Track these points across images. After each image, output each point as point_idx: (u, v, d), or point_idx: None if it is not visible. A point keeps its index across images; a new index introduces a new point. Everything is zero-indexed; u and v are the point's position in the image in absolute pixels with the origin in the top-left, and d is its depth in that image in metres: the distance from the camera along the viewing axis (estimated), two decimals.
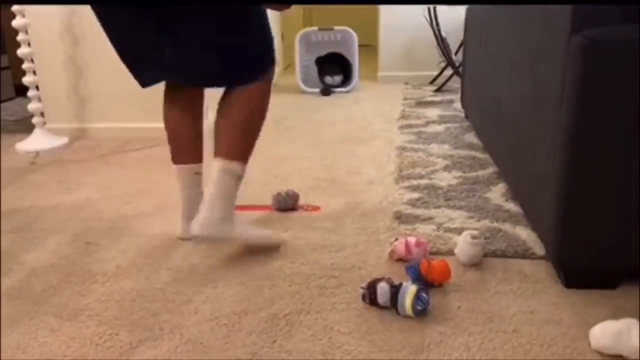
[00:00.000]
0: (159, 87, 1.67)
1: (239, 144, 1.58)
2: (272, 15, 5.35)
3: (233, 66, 1.53)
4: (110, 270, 1.62)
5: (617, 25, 1.27)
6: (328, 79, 4.12)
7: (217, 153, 1.58)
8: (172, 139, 1.72)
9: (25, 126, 3.05)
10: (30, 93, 2.90)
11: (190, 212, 1.68)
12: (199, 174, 1.74)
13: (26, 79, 2.86)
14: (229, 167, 1.56)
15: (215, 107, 1.59)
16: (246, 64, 1.55)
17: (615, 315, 1.26)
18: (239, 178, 1.59)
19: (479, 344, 1.24)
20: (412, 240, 1.59)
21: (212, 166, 1.56)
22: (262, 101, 1.60)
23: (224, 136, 1.58)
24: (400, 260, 1.58)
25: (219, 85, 1.59)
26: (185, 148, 1.72)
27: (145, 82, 1.61)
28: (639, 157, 1.29)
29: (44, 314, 1.40)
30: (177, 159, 1.73)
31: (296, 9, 6.07)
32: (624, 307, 1.35)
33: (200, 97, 1.74)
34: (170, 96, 1.71)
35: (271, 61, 1.61)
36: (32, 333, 1.33)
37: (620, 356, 1.17)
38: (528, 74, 1.67)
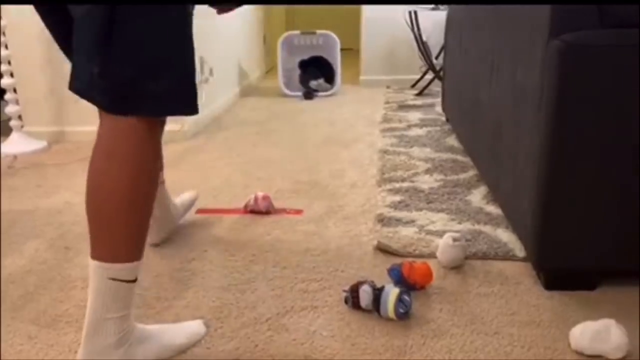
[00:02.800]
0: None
1: (122, 236, 1.08)
2: (255, 18, 5.31)
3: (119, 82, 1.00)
4: (89, 275, 1.58)
5: (594, 30, 1.29)
6: (313, 83, 4.12)
7: (94, 251, 1.08)
8: None
9: (3, 129, 3.00)
10: (7, 96, 2.85)
11: (155, 218, 1.51)
12: (161, 182, 1.64)
13: (4, 82, 2.81)
14: (114, 273, 1.07)
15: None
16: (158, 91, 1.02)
17: (594, 315, 1.28)
18: (132, 280, 1.11)
19: (460, 346, 1.24)
20: (260, 194, 1.97)
21: (91, 271, 1.09)
22: (151, 148, 1.07)
23: (97, 226, 1.08)
24: (253, 212, 1.93)
25: (99, 103, 1.07)
26: None
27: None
28: (616, 160, 1.31)
29: (20, 321, 1.37)
30: None
31: (279, 13, 6.07)
32: (602, 307, 1.36)
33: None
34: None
35: (183, 101, 1.05)
36: (9, 340, 1.30)
37: (599, 356, 1.18)
38: (508, 77, 1.69)
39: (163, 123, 1.12)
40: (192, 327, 1.29)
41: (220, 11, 1.32)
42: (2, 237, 1.86)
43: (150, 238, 1.63)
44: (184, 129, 2.99)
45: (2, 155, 2.77)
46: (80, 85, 1.05)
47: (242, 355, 1.22)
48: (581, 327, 1.21)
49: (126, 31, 0.97)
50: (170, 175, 1.85)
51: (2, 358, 1.24)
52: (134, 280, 1.12)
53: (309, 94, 4.05)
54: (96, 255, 1.08)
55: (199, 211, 1.97)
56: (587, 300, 1.40)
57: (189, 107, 1.06)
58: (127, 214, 1.07)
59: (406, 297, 1.33)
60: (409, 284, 1.42)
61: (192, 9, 1.07)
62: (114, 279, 1.08)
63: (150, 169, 1.08)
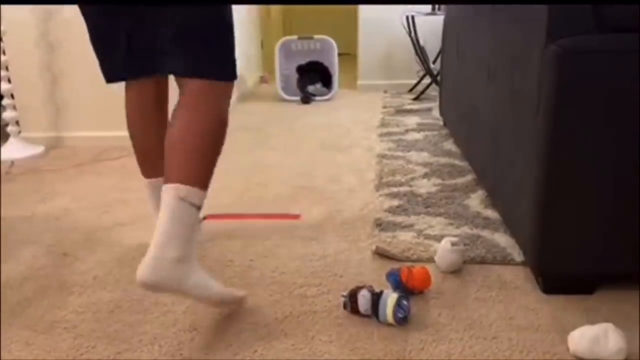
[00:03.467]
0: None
1: (199, 164, 1.29)
2: (252, 25, 5.34)
3: (203, 53, 1.33)
4: (87, 281, 1.58)
5: (591, 34, 1.30)
6: (311, 88, 4.12)
7: (171, 177, 1.26)
8: (139, 151, 1.62)
9: (0, 135, 3.00)
10: (5, 101, 2.85)
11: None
12: None
13: (1, 87, 2.81)
14: (187, 195, 1.24)
15: None
16: (214, 57, 1.35)
17: (593, 320, 1.28)
18: (198, 208, 1.27)
19: (459, 351, 1.24)
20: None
21: (164, 194, 1.25)
22: (222, 113, 1.36)
23: (179, 155, 1.28)
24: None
25: (184, 73, 1.35)
26: (153, 160, 1.58)
27: (111, 76, 1.50)
28: (614, 165, 1.32)
29: (18, 327, 1.37)
30: (146, 172, 1.64)
31: (276, 18, 6.08)
32: (601, 311, 1.36)
33: (164, 102, 1.62)
34: (132, 102, 1.59)
35: (234, 74, 1.42)
36: (6, 347, 1.29)
37: None
38: (505, 82, 1.69)
39: (230, 90, 1.42)
40: (235, 291, 1.40)
41: None
42: (0, 242, 1.85)
43: None
44: None
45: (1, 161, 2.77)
46: (184, 69, 1.34)
47: None
48: (580, 331, 1.21)
49: (222, 24, 1.36)
50: None
51: None
52: (199, 208, 1.28)
53: (306, 99, 4.06)
54: (170, 180, 1.26)
55: (208, 217, 1.96)
56: (586, 304, 1.40)
57: (235, 74, 1.43)
58: (207, 148, 1.31)
59: (405, 302, 1.33)
60: (407, 289, 1.42)
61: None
62: (184, 199, 1.24)
63: (225, 117, 1.37)
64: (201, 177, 1.29)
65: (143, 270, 1.19)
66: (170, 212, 1.23)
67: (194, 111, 1.31)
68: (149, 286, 1.21)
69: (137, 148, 1.64)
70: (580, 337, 1.20)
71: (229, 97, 1.40)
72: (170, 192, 1.24)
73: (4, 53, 2.79)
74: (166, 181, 1.26)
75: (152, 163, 1.62)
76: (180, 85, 1.37)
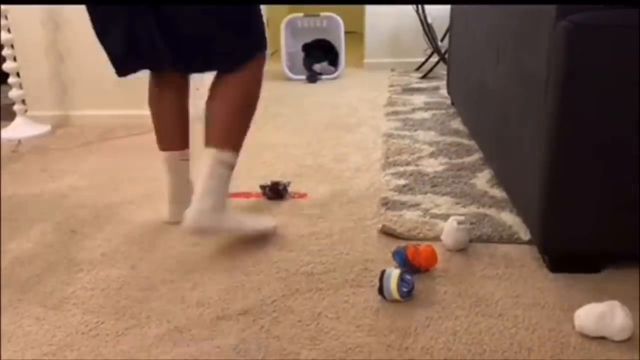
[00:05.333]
0: (143, 73, 1.64)
1: (232, 131, 1.56)
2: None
3: (225, 49, 1.51)
4: (95, 258, 1.60)
5: (601, 9, 1.28)
6: (317, 66, 4.09)
7: (209, 141, 1.54)
8: (158, 125, 1.70)
9: (6, 114, 3.00)
10: (10, 80, 2.85)
11: (177, 196, 1.69)
12: (186, 159, 1.73)
13: (6, 66, 2.81)
14: (222, 157, 1.53)
15: (202, 93, 1.57)
16: (238, 47, 1.52)
17: (599, 298, 1.28)
18: (231, 168, 1.56)
19: (465, 327, 1.25)
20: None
21: (204, 155, 1.53)
22: (255, 86, 1.57)
23: (216, 123, 1.54)
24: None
25: (210, 69, 1.57)
26: (171, 134, 1.70)
27: (123, 70, 1.58)
28: (624, 143, 1.30)
29: (28, 303, 1.39)
30: (163, 145, 1.71)
31: None
32: (607, 289, 1.37)
33: (186, 81, 1.71)
34: (156, 80, 1.68)
35: (263, 45, 1.58)
36: (17, 322, 1.31)
37: (604, 338, 1.19)
38: (513, 59, 1.67)
39: (264, 60, 1.61)
40: (266, 222, 1.70)
41: None
42: (7, 222, 1.87)
43: (173, 216, 1.71)
44: None
45: (4, 140, 2.78)
46: (223, 59, 1.53)
47: (248, 337, 1.23)
48: (586, 309, 1.22)
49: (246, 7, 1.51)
50: None
51: (11, 338, 1.25)
52: (232, 168, 1.56)
53: (312, 77, 4.03)
54: (209, 143, 1.53)
55: None
56: (592, 282, 1.40)
57: (263, 44, 1.60)
58: (242, 115, 1.57)
59: (408, 277, 1.34)
60: (413, 267, 1.43)
61: None
62: (220, 161, 1.52)
63: (258, 89, 1.59)
64: (235, 141, 1.56)
65: (188, 219, 1.49)
66: (209, 170, 1.50)
67: (231, 86, 1.54)
68: (195, 230, 1.52)
69: (156, 122, 1.71)
70: (586, 315, 1.20)
71: (262, 65, 1.59)
72: (209, 154, 1.52)
73: (8, 31, 2.78)
74: (207, 143, 1.53)
75: (169, 136, 1.71)
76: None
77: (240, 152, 1.59)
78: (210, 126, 1.55)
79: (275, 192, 1.96)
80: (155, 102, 1.69)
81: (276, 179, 2.02)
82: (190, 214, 1.50)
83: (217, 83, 1.56)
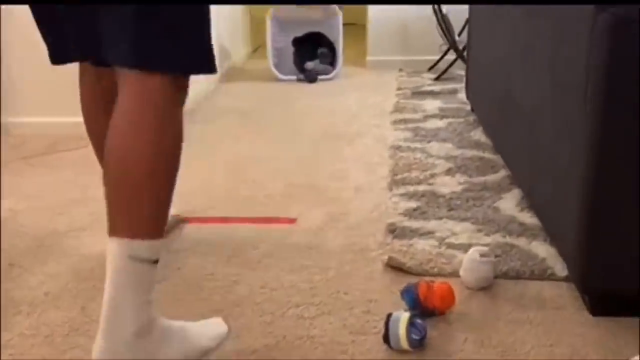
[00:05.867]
0: None
1: (150, 205, 1.20)
2: None
3: (129, 36, 1.17)
4: (37, 298, 1.59)
5: None
6: (309, 64, 4.11)
7: (113, 227, 1.19)
8: (97, 146, 1.59)
9: None
10: None
11: None
12: None
13: None
14: (138, 251, 1.17)
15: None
16: (168, 45, 1.19)
17: None
18: (155, 262, 1.21)
19: None
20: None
21: (108, 251, 1.18)
22: (178, 115, 1.23)
23: (120, 195, 1.19)
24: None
25: (131, 63, 1.20)
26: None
27: (57, 57, 1.44)
28: None
29: None
30: (102, 161, 1.63)
31: None
32: None
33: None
34: (85, 85, 1.58)
35: (204, 59, 1.25)
36: None
37: None
38: (545, 58, 1.69)
39: (185, 91, 1.26)
40: (215, 328, 1.40)
41: None
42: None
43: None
44: None
45: None
46: (115, 56, 1.20)
47: None
48: None
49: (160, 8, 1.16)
50: None
51: None
52: (155, 262, 1.20)
53: (311, 76, 4.03)
54: (115, 231, 1.17)
55: (188, 220, 1.96)
56: None
57: (206, 66, 1.24)
58: (151, 184, 1.19)
59: (419, 321, 1.33)
60: (426, 309, 1.43)
61: None
62: (133, 258, 1.16)
63: (174, 136, 1.22)
64: (155, 221, 1.21)
65: (96, 353, 1.18)
66: (118, 276, 1.17)
67: (137, 125, 1.18)
68: None
69: (91, 135, 1.62)
70: None
71: (185, 96, 1.27)
72: (115, 248, 1.17)
73: None
74: (110, 232, 1.18)
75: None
76: (120, 84, 1.23)
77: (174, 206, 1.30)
78: (112, 201, 1.20)
79: None
80: (87, 113, 1.59)
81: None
82: (99, 346, 1.19)
83: (120, 116, 1.21)
